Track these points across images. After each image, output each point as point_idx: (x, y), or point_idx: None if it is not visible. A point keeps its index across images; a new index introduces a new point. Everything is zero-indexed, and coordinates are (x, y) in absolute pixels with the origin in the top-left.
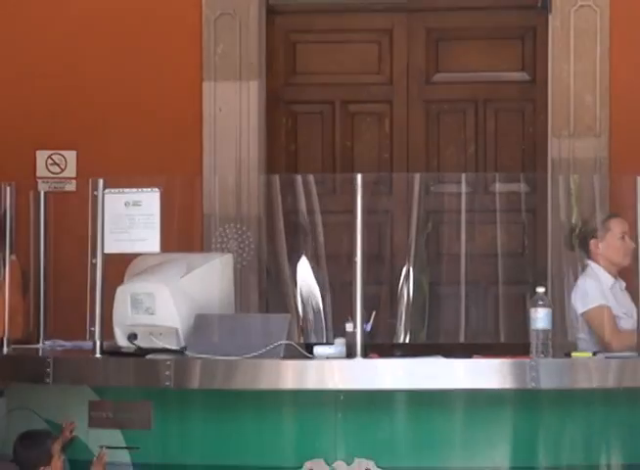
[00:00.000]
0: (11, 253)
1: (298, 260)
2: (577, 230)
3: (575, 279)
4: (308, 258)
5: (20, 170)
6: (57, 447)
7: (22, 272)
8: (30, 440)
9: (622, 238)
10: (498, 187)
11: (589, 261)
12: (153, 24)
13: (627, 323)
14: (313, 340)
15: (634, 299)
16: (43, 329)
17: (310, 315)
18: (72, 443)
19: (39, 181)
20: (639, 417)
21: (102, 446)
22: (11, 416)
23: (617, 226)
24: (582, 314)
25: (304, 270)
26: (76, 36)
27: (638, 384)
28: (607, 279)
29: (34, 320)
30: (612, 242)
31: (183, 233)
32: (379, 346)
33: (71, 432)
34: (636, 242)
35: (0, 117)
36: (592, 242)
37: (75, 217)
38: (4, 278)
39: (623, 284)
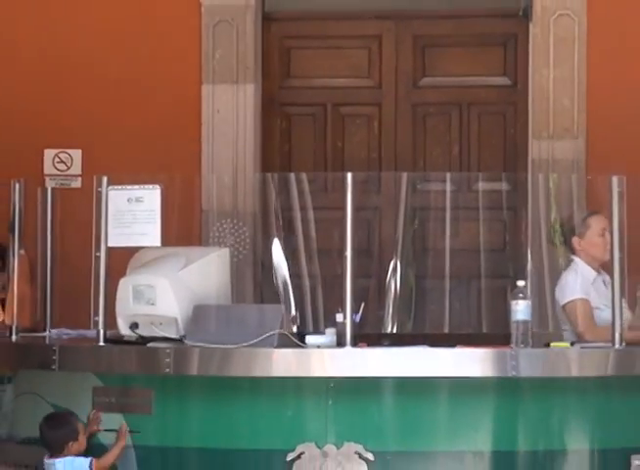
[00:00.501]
0: (20, 247)
1: (292, 255)
2: (559, 227)
3: (556, 273)
4: (301, 253)
5: (28, 168)
6: (81, 425)
7: (30, 265)
8: (56, 420)
9: (602, 234)
10: (481, 186)
11: (573, 257)
12: (155, 30)
13: (609, 315)
14: (305, 330)
15: (623, 296)
16: (50, 318)
17: (303, 306)
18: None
19: (47, 178)
20: (612, 404)
21: (109, 430)
22: (19, 401)
23: (596, 223)
24: (563, 307)
25: (297, 264)
26: (83, 42)
27: (611, 373)
28: (589, 273)
29: (41, 310)
30: (592, 238)
31: (182, 228)
32: (367, 335)
33: (98, 424)
34: (611, 239)
35: (9, 117)
36: (574, 239)
37: (81, 213)
38: (13, 271)
39: (607, 278)
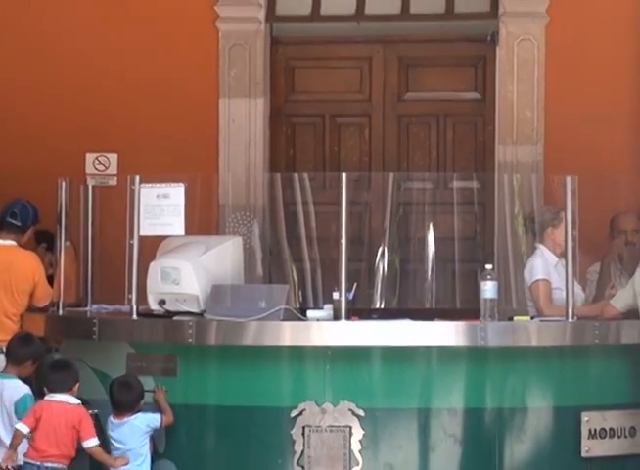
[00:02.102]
0: (66, 239)
1: (295, 242)
2: (522, 220)
3: (519, 258)
4: (303, 240)
5: (72, 169)
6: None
7: (74, 251)
8: (128, 384)
9: None
10: (455, 184)
11: (537, 244)
12: (180, 53)
13: (564, 294)
14: (306, 305)
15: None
16: (90, 296)
17: (304, 286)
18: None
19: (88, 177)
20: (565, 369)
21: (148, 390)
22: None
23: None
24: (529, 286)
25: (300, 250)
26: (121, 63)
27: (565, 342)
28: (552, 259)
29: (84, 289)
30: (562, 229)
31: (202, 220)
32: (359, 310)
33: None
34: (565, 230)
35: (57, 126)
36: (549, 230)
37: (116, 207)
38: (60, 259)
39: (564, 262)
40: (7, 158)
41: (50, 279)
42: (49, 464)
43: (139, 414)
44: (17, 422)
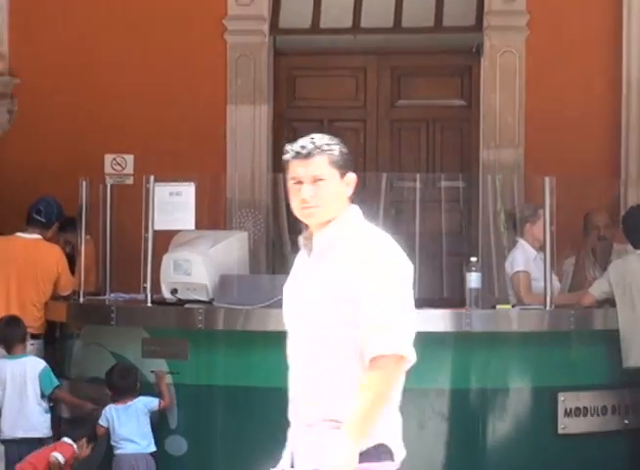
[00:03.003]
0: (86, 233)
1: (296, 236)
2: (504, 217)
3: (501, 252)
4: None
5: (92, 169)
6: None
7: (94, 245)
8: (125, 371)
9: None
10: (443, 184)
11: (518, 239)
12: (191, 63)
13: (542, 284)
14: None
15: (553, 269)
16: (109, 285)
17: None
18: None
19: (106, 177)
20: (543, 353)
21: (153, 371)
22: (85, 350)
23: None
24: (510, 277)
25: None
26: (137, 74)
27: (544, 328)
28: (531, 252)
29: (102, 279)
30: (540, 225)
31: (211, 216)
32: None
33: (167, 384)
34: (544, 226)
35: (79, 131)
36: (528, 225)
37: (133, 203)
38: (81, 251)
39: (543, 256)
40: (34, 158)
41: (69, 258)
42: None
43: (140, 397)
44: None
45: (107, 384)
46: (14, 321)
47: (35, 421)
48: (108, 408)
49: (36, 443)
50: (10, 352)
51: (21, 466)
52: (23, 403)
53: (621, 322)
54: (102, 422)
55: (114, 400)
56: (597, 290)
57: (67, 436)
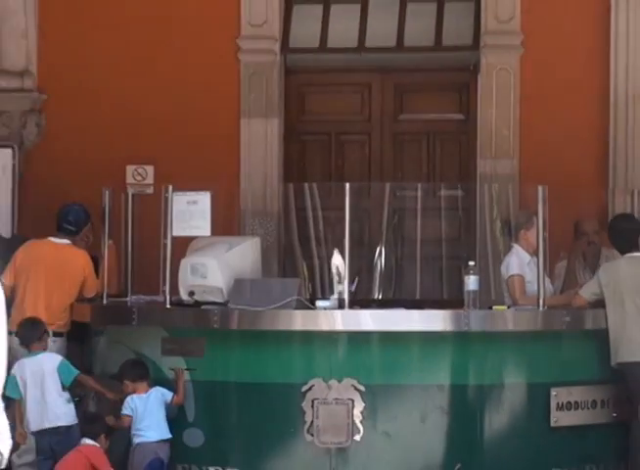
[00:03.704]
0: (109, 238)
1: (305, 242)
2: (500, 223)
3: (497, 256)
4: (312, 241)
5: (115, 179)
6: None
7: (116, 250)
8: (138, 362)
9: None
10: (442, 193)
11: (513, 244)
12: (206, 80)
13: (535, 287)
14: (315, 296)
15: (546, 272)
16: (130, 288)
17: (313, 279)
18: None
19: (128, 186)
20: (537, 351)
21: (173, 369)
22: (109, 348)
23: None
24: (505, 280)
25: (309, 248)
26: (157, 89)
27: (537, 328)
28: (525, 257)
29: (124, 282)
30: (535, 231)
31: (226, 223)
32: (360, 300)
33: (185, 381)
34: (537, 232)
35: (103, 144)
36: (522, 231)
37: (153, 211)
38: (104, 256)
39: (536, 260)
40: (61, 169)
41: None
42: None
43: (157, 387)
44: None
45: (119, 378)
46: (31, 322)
47: (59, 411)
48: (130, 398)
49: (64, 430)
50: (29, 349)
51: None
52: (45, 397)
53: (611, 322)
54: (126, 411)
55: (134, 388)
56: (587, 292)
57: (86, 436)
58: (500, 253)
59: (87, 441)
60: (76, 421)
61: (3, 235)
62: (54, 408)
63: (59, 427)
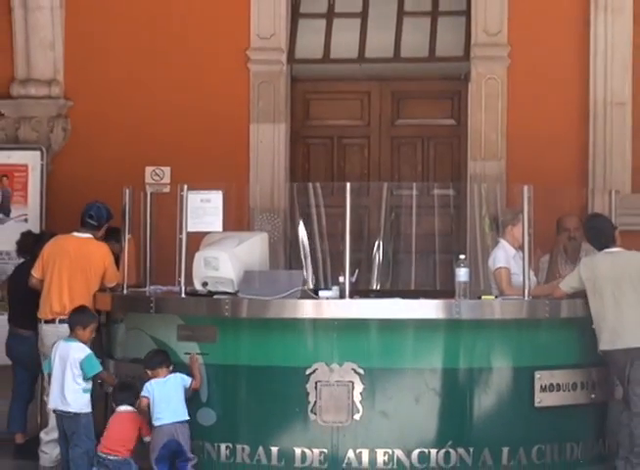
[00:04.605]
0: (129, 233)
1: (309, 237)
2: (488, 220)
3: (485, 250)
4: (316, 235)
5: (135, 179)
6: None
7: (135, 244)
8: (158, 355)
9: None
10: (436, 192)
11: (500, 239)
12: (219, 88)
13: (522, 278)
14: (318, 286)
15: (531, 266)
16: (148, 279)
17: (317, 271)
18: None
19: (147, 186)
20: (522, 337)
21: (188, 353)
22: (128, 334)
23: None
24: (493, 273)
25: (313, 243)
26: (173, 97)
27: (522, 316)
28: (511, 251)
29: (143, 273)
30: (520, 228)
31: (237, 219)
32: (360, 291)
33: (200, 365)
34: (522, 228)
35: (123, 146)
36: (509, 227)
37: (169, 209)
38: (124, 249)
39: (521, 254)
40: (85, 170)
41: (115, 260)
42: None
43: (176, 373)
44: (79, 377)
45: (144, 365)
46: (80, 310)
47: (71, 399)
48: (148, 383)
49: (73, 416)
50: (70, 334)
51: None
52: (64, 381)
53: (593, 313)
54: (145, 394)
55: (154, 372)
56: (566, 286)
57: (120, 402)
58: (488, 247)
59: (121, 408)
60: (89, 410)
61: (33, 231)
62: (67, 395)
63: (69, 412)
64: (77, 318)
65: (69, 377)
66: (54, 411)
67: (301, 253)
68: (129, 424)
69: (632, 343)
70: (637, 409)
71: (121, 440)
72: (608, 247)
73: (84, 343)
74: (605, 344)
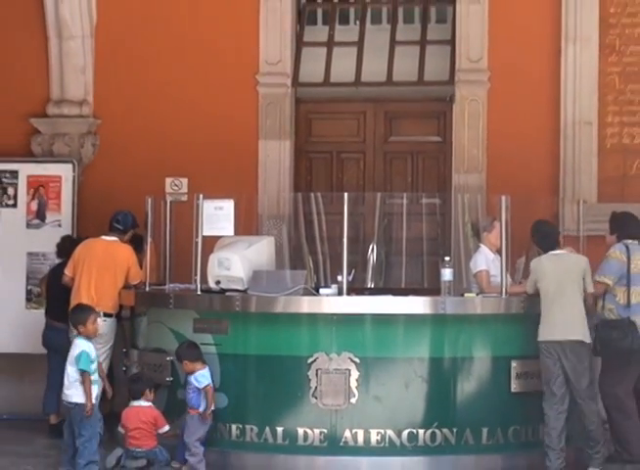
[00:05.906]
0: (150, 237)
1: (311, 240)
2: (470, 226)
3: (468, 254)
4: (317, 239)
5: (156, 189)
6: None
7: (156, 248)
8: (191, 344)
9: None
10: (424, 201)
11: (480, 244)
12: (230, 109)
13: (499, 279)
14: (319, 285)
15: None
16: (168, 277)
17: (318, 271)
18: None
19: (167, 195)
20: (499, 330)
21: (203, 343)
22: (150, 326)
23: (498, 225)
24: (474, 274)
25: (314, 246)
26: (190, 117)
27: (500, 311)
28: (489, 254)
29: (163, 273)
30: (494, 233)
31: (246, 225)
32: (356, 288)
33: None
34: (500, 234)
35: (146, 160)
36: (485, 234)
37: (187, 216)
38: (146, 252)
39: (499, 257)
40: (112, 181)
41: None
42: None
43: (204, 371)
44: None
45: (179, 359)
46: (80, 308)
47: (72, 390)
48: (206, 371)
49: (73, 406)
50: (77, 332)
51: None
52: (67, 373)
53: (541, 307)
54: (209, 382)
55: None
56: (528, 286)
57: (134, 396)
58: (470, 250)
59: (134, 403)
60: (83, 401)
61: (71, 236)
62: (69, 385)
63: (70, 402)
64: (74, 318)
65: (72, 371)
66: (63, 402)
67: (304, 254)
68: (144, 417)
69: (567, 336)
70: (580, 400)
71: (143, 431)
72: (553, 249)
73: (91, 336)
74: (542, 335)
